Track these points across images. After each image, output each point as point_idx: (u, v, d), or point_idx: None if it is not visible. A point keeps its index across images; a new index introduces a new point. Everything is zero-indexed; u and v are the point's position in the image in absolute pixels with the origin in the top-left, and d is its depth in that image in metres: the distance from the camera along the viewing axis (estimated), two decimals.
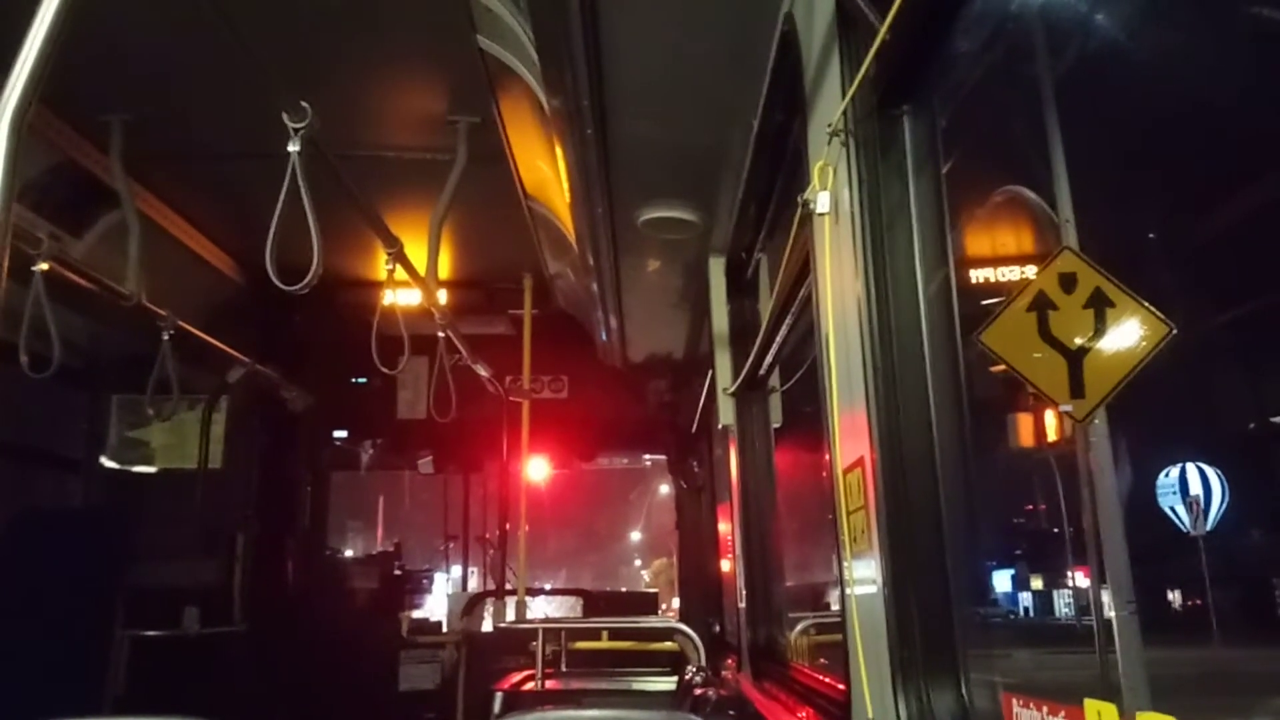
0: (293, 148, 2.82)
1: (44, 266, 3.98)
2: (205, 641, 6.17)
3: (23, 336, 3.88)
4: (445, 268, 4.77)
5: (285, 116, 2.80)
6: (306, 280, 2.86)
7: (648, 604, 9.83)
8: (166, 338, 4.93)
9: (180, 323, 5.02)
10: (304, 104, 2.81)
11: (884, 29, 1.69)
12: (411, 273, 4.20)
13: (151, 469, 6.70)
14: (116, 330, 5.46)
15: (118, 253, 4.56)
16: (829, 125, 2.10)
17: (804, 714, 3.03)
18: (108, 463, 6.69)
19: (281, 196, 2.77)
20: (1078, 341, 1.86)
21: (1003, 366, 1.94)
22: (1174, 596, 12.07)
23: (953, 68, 2.03)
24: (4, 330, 3.89)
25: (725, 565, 6.93)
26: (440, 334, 4.89)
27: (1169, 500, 10.98)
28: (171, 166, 4.96)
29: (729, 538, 6.01)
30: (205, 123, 4.49)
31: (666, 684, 5.59)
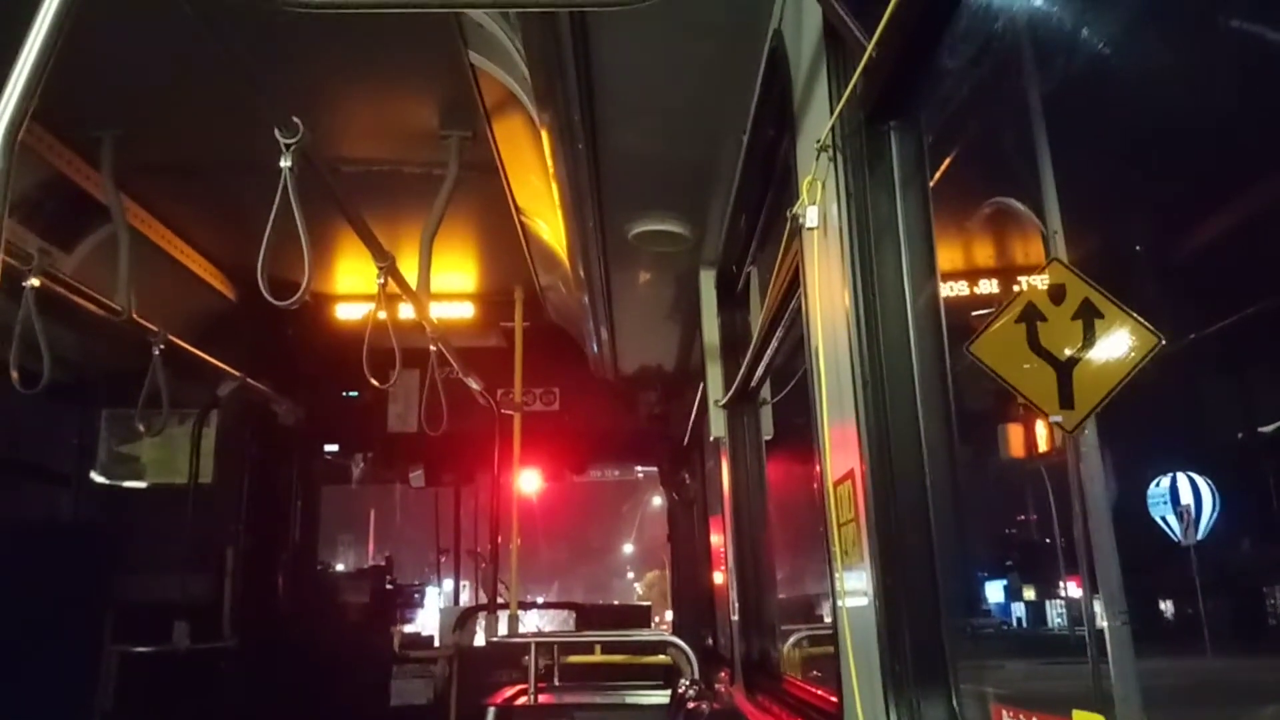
0: (285, 163, 2.82)
1: (35, 282, 3.98)
2: (195, 657, 6.13)
3: (13, 351, 3.86)
4: (437, 281, 4.77)
5: (277, 132, 2.81)
6: (298, 295, 2.86)
7: (640, 617, 9.80)
8: (157, 352, 4.92)
9: (171, 337, 5.02)
10: (295, 119, 2.82)
11: (870, 46, 1.70)
12: (403, 286, 4.21)
13: (142, 484, 6.67)
14: (107, 345, 5.44)
15: (108, 268, 4.56)
16: (817, 141, 2.12)
17: None
18: (98, 478, 6.66)
19: (273, 211, 2.77)
20: (1067, 352, 1.87)
21: (993, 378, 1.95)
22: (1166, 606, 12.07)
23: (939, 83, 2.05)
24: None
25: (718, 578, 6.92)
26: (432, 347, 4.89)
27: (1160, 510, 11.00)
28: (163, 181, 4.96)
29: (721, 550, 6.01)
30: (197, 138, 4.49)
31: (660, 697, 5.57)
